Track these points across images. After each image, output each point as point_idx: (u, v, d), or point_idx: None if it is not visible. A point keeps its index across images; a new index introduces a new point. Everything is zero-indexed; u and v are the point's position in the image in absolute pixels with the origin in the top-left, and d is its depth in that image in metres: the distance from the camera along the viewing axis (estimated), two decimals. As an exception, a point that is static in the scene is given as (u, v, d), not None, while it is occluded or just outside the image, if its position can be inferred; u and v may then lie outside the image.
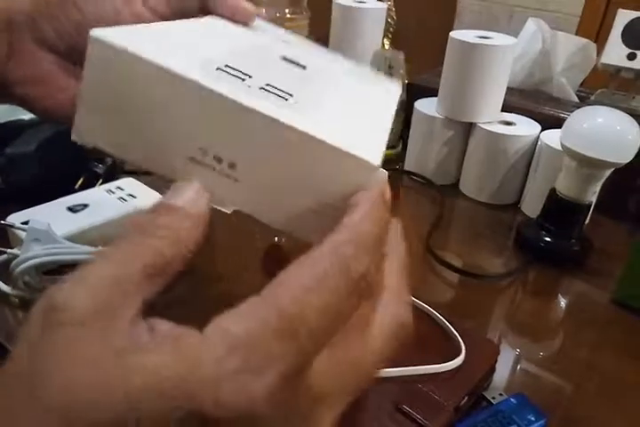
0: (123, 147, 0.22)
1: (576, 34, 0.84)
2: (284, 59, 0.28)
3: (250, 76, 0.22)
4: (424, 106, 0.74)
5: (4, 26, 0.30)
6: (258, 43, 0.30)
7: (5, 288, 0.49)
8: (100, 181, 0.66)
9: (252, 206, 0.22)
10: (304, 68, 0.28)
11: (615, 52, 0.74)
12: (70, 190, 0.61)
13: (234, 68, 0.22)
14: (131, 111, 0.21)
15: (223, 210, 0.22)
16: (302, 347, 0.17)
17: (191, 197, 0.20)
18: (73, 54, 0.23)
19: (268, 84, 0.22)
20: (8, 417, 0.16)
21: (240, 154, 0.20)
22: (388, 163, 0.79)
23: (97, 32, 0.20)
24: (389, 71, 0.78)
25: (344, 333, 0.19)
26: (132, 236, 0.19)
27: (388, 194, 0.21)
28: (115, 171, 0.69)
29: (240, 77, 0.22)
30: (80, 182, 0.65)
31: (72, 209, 0.58)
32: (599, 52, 0.77)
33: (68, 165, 0.64)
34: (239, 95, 0.20)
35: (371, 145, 0.21)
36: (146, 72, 0.20)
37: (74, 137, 0.23)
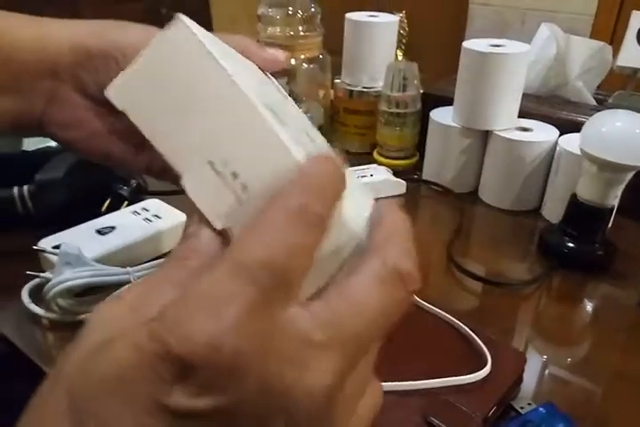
0: (149, 122, 0.23)
1: (590, 35, 0.84)
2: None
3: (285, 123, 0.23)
4: (440, 115, 0.75)
5: (49, 74, 0.32)
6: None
7: (39, 311, 0.51)
8: (126, 203, 0.67)
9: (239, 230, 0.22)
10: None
11: (631, 54, 0.74)
12: (97, 213, 0.63)
13: (272, 110, 0.22)
14: (175, 96, 0.22)
15: (212, 224, 0.22)
16: (260, 282, 0.17)
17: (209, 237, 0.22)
18: (109, 102, 0.25)
19: (303, 130, 0.23)
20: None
21: (256, 180, 0.21)
22: (406, 173, 0.80)
23: (184, 16, 0.22)
24: (404, 83, 0.79)
25: (335, 283, 0.20)
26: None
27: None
28: (139, 192, 0.71)
29: (281, 120, 0.22)
30: (106, 205, 0.67)
31: (100, 232, 0.60)
32: (615, 54, 0.77)
33: (94, 189, 0.66)
34: (281, 132, 0.21)
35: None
36: (208, 68, 0.21)
37: (107, 92, 0.24)
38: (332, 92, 0.90)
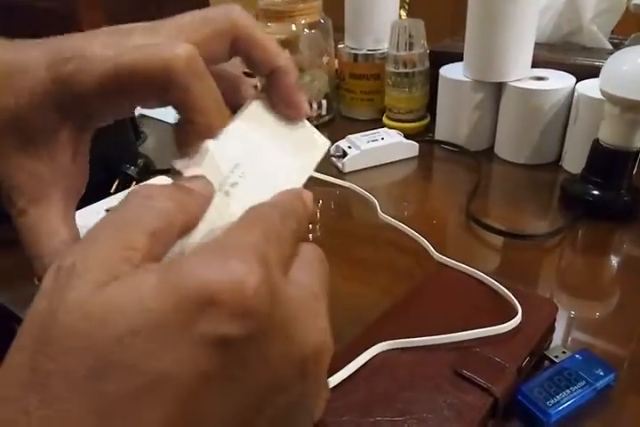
0: None
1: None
2: None
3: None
4: (449, 72, 0.72)
5: None
6: None
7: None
8: (134, 182, 0.66)
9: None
10: None
11: (647, -8, 0.70)
12: (108, 195, 0.62)
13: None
14: None
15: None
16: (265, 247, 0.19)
17: (202, 182, 0.23)
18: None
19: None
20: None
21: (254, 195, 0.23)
22: (418, 135, 0.78)
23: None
24: (410, 41, 0.76)
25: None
26: (140, 199, 0.20)
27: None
28: (147, 171, 0.70)
29: None
30: (115, 186, 0.66)
31: (110, 211, 0.59)
32: (629, -6, 0.73)
33: (102, 171, 0.65)
34: None
35: None
36: None
37: None
38: (336, 61, 0.88)
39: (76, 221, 0.56)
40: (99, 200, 0.60)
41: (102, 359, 0.16)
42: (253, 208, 0.21)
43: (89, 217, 0.59)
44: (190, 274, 0.17)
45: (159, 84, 0.22)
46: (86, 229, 0.52)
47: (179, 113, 0.23)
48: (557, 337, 0.42)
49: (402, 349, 0.38)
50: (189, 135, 0.23)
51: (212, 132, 0.24)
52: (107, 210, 0.59)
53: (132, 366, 0.16)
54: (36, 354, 0.16)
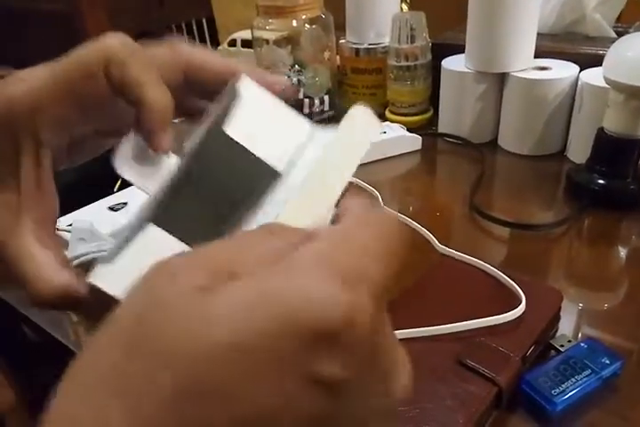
0: None
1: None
2: None
3: None
4: (452, 63, 0.72)
5: None
6: None
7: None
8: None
9: None
10: None
11: (650, -22, 0.69)
12: (110, 194, 0.62)
13: None
14: None
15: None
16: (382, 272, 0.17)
17: None
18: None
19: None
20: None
21: None
22: (421, 128, 0.77)
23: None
24: (412, 33, 0.75)
25: None
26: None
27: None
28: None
29: None
30: (118, 185, 0.66)
31: (113, 208, 0.59)
32: (632, -18, 0.72)
33: (104, 170, 0.65)
34: None
35: None
36: None
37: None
38: (337, 56, 0.87)
39: (80, 218, 0.56)
40: (101, 198, 0.60)
41: (193, 376, 0.14)
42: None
43: (92, 214, 0.59)
44: (304, 299, 0.15)
45: (98, 67, 0.24)
46: (91, 225, 0.51)
47: (126, 95, 0.24)
48: (564, 328, 0.42)
49: (406, 339, 0.38)
50: (142, 116, 0.24)
51: (159, 106, 0.24)
52: (109, 208, 0.59)
53: (228, 392, 0.14)
54: (125, 354, 0.15)
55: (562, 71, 0.65)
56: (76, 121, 0.25)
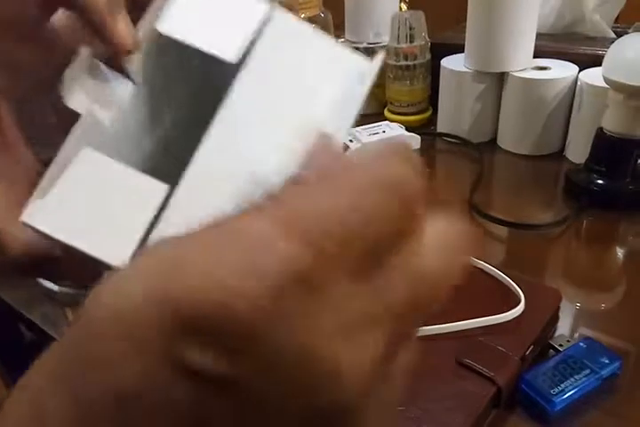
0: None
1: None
2: None
3: None
4: (451, 63, 0.71)
5: None
6: None
7: (53, 286, 0.50)
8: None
9: None
10: None
11: (649, -21, 0.69)
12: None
13: None
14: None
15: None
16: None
17: None
18: None
19: None
20: None
21: None
22: (420, 128, 0.77)
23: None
24: (411, 33, 0.75)
25: None
26: None
27: None
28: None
29: None
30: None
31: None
32: (632, -17, 0.72)
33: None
34: None
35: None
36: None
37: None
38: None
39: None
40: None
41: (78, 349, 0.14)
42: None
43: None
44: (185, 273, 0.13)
45: None
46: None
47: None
48: (563, 327, 0.42)
49: (404, 339, 0.37)
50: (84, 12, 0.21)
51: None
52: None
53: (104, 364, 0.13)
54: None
55: (561, 71, 0.65)
56: (13, 52, 0.23)
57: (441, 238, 0.15)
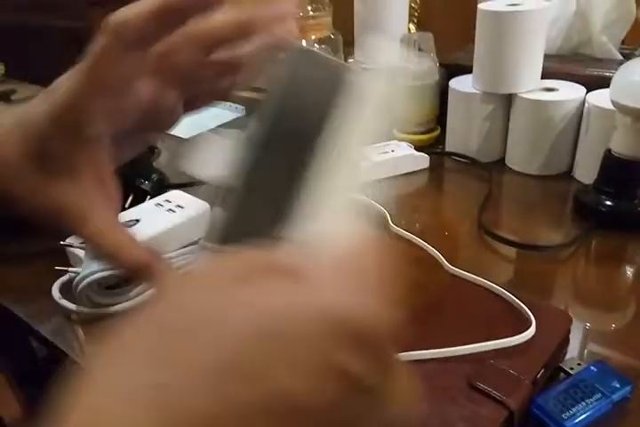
0: None
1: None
2: None
3: None
4: (459, 84, 0.73)
5: None
6: None
7: (70, 306, 0.50)
8: (149, 197, 0.67)
9: None
10: None
11: (656, 1, 0.70)
12: (122, 209, 0.63)
13: None
14: None
15: None
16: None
17: None
18: None
19: None
20: None
21: None
22: (429, 147, 0.78)
23: None
24: (419, 55, 0.76)
25: None
26: None
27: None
28: (161, 185, 0.70)
29: None
30: (130, 201, 0.66)
31: (125, 225, 0.59)
32: (638, 4, 0.73)
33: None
34: None
35: None
36: None
37: None
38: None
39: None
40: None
41: (226, 359, 0.16)
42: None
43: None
44: (339, 301, 0.18)
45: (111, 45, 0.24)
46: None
47: None
48: (573, 349, 0.42)
49: (416, 361, 0.38)
50: None
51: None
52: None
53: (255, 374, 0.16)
54: (154, 365, 0.16)
55: (568, 93, 0.66)
56: (112, 107, 0.26)
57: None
